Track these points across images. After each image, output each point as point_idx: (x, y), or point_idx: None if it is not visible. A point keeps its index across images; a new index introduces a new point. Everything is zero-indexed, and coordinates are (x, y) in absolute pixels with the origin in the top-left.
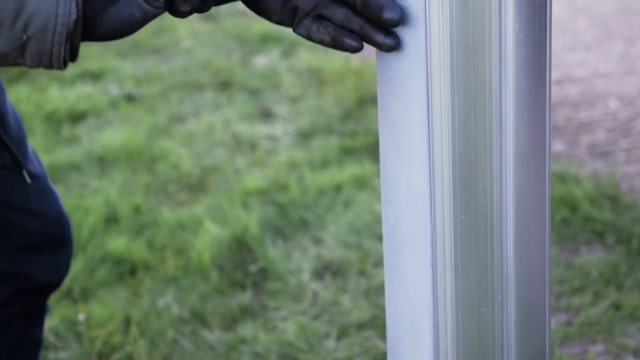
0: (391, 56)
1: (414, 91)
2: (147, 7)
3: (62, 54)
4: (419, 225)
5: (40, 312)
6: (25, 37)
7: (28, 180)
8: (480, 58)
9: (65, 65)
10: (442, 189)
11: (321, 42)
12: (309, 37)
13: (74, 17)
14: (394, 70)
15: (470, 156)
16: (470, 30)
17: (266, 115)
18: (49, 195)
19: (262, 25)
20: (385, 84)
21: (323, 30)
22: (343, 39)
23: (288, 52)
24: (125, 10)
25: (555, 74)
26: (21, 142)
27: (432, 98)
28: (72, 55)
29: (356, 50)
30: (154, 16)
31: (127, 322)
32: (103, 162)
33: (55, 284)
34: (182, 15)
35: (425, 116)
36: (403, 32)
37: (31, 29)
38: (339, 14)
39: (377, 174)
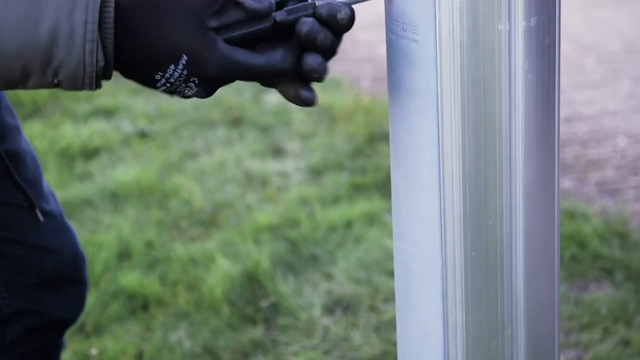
0: (403, 95)
1: (425, 129)
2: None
3: (94, 85)
4: (430, 261)
5: (56, 348)
6: (56, 81)
7: (41, 218)
8: (490, 97)
9: (98, 89)
10: (452, 226)
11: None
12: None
13: (102, 64)
14: (406, 109)
15: (481, 193)
16: (480, 70)
17: (277, 151)
18: (65, 233)
19: None
20: (397, 122)
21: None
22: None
23: None
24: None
25: (564, 111)
26: (36, 181)
27: (443, 136)
28: (106, 79)
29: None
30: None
31: (139, 356)
32: (116, 198)
33: (70, 321)
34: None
35: (436, 154)
36: (414, 72)
37: (61, 75)
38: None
39: (387, 210)
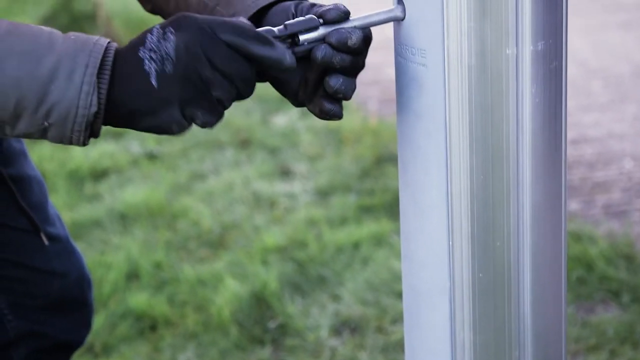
0: (411, 117)
1: (434, 152)
2: (185, 123)
3: (82, 139)
4: (438, 281)
5: None
6: (47, 123)
7: (46, 242)
8: (497, 120)
9: (85, 145)
10: (460, 247)
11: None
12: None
13: (94, 109)
14: (414, 131)
15: (488, 215)
16: (488, 93)
17: (285, 173)
18: (71, 256)
19: None
20: (406, 144)
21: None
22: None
23: (307, 112)
24: (163, 124)
25: (570, 134)
26: (41, 205)
27: (451, 158)
28: (93, 136)
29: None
30: (188, 130)
31: None
32: (125, 219)
33: (76, 344)
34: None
35: (444, 176)
36: (423, 95)
37: (52, 117)
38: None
39: (395, 231)
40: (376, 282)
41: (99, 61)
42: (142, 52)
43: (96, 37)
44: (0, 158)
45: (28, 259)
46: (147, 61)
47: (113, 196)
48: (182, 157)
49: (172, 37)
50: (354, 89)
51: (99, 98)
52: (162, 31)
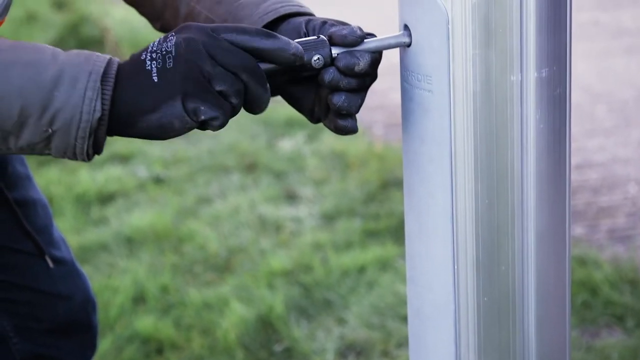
0: (417, 142)
1: (439, 177)
2: (187, 119)
3: (86, 148)
4: (443, 305)
5: None
6: (51, 130)
7: (51, 265)
8: (502, 146)
9: (89, 158)
10: (465, 271)
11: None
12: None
13: (98, 114)
14: (420, 157)
15: (493, 239)
16: (493, 119)
17: (291, 197)
18: (76, 279)
19: (287, 109)
20: (411, 169)
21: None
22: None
23: (313, 136)
24: (165, 119)
25: (575, 159)
26: (46, 229)
27: (456, 183)
28: (97, 148)
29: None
30: (191, 128)
31: None
32: (131, 243)
33: None
34: (212, 129)
35: (450, 201)
36: (428, 120)
37: (57, 123)
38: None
39: (400, 255)
40: (381, 306)
41: (102, 69)
42: (143, 55)
43: (98, 53)
44: (5, 182)
45: (33, 282)
46: (148, 61)
47: (120, 220)
48: (188, 181)
49: (172, 37)
50: (359, 104)
51: (102, 104)
52: (163, 37)
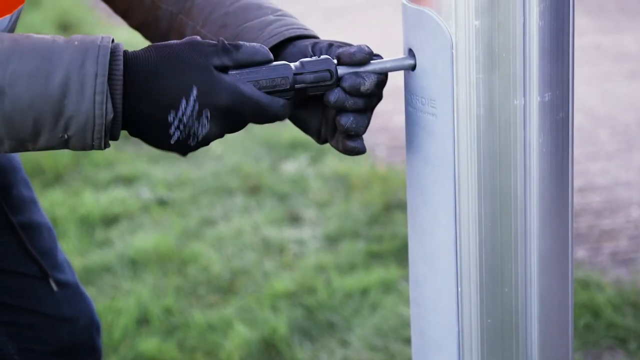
0: (421, 165)
1: (443, 199)
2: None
3: (103, 144)
4: (447, 327)
5: None
6: (66, 136)
7: (55, 288)
8: (505, 169)
9: (106, 147)
10: (469, 293)
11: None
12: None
13: (111, 116)
14: (424, 179)
15: (496, 262)
16: (496, 143)
17: (294, 219)
18: (80, 302)
19: (290, 132)
20: (415, 191)
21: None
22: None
23: (316, 158)
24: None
25: (577, 182)
26: (51, 252)
27: (460, 206)
28: (113, 139)
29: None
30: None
31: None
32: (135, 265)
33: None
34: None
35: (453, 223)
36: (432, 144)
37: (71, 129)
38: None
39: (403, 277)
40: (385, 328)
41: (107, 67)
42: (171, 117)
43: (99, 37)
44: (10, 206)
45: (37, 305)
46: (173, 128)
47: (124, 242)
48: (192, 203)
49: (207, 125)
50: (366, 125)
51: (114, 105)
52: (198, 109)
